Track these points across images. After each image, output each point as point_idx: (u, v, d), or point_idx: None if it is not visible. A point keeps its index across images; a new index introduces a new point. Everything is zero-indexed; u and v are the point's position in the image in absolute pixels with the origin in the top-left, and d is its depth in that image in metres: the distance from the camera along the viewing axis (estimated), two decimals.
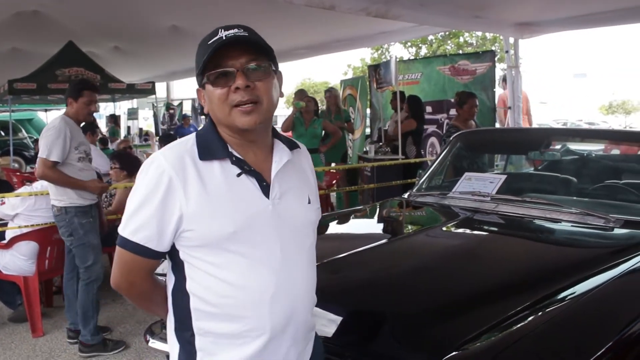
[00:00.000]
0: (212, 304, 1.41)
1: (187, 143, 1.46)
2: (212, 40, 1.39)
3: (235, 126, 1.42)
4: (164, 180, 1.37)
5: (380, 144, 7.69)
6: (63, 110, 4.23)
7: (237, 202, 1.41)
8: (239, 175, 1.43)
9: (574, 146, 4.28)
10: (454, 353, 1.74)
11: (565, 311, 2.01)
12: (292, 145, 1.58)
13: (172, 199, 1.37)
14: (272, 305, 1.41)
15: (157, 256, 1.44)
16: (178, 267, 1.46)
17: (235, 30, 1.41)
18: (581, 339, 1.88)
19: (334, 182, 7.56)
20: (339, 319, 2.07)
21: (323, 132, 7.19)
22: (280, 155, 1.51)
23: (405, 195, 3.86)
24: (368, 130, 10.53)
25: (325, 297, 2.17)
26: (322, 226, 3.51)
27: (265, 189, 1.45)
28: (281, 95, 1.52)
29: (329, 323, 2.04)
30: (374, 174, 7.08)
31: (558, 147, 4.29)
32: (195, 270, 1.42)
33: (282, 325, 1.43)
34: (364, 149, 8.48)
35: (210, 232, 1.37)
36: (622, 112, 48.39)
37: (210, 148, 1.44)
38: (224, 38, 1.38)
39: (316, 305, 2.09)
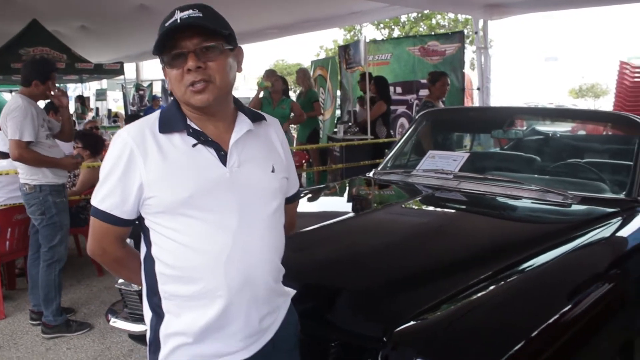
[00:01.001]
0: (174, 267, 1.49)
1: (151, 119, 1.56)
2: (168, 23, 1.46)
3: (191, 104, 1.50)
4: (125, 152, 1.47)
5: (350, 124, 7.69)
6: None
7: (194, 169, 1.48)
8: (194, 145, 1.50)
9: (540, 127, 4.32)
10: (410, 323, 1.76)
11: (521, 283, 2.05)
12: (256, 117, 1.65)
13: (133, 168, 1.47)
14: (227, 267, 1.46)
15: (124, 223, 1.54)
16: (146, 235, 1.56)
17: (190, 11, 1.47)
18: (534, 308, 1.92)
19: (304, 161, 7.54)
20: (298, 291, 2.07)
21: (292, 112, 7.13)
22: (241, 126, 1.58)
23: (371, 174, 3.87)
24: (338, 112, 10.51)
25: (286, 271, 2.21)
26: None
27: (223, 157, 1.52)
28: (239, 70, 1.59)
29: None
30: (342, 154, 7.09)
31: (524, 128, 4.34)
32: (158, 235, 1.50)
33: (238, 287, 1.48)
34: (334, 130, 8.47)
35: (167, 198, 1.46)
36: (592, 96, 49.15)
37: (170, 122, 1.53)
38: (178, 21, 1.45)
39: None
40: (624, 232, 2.68)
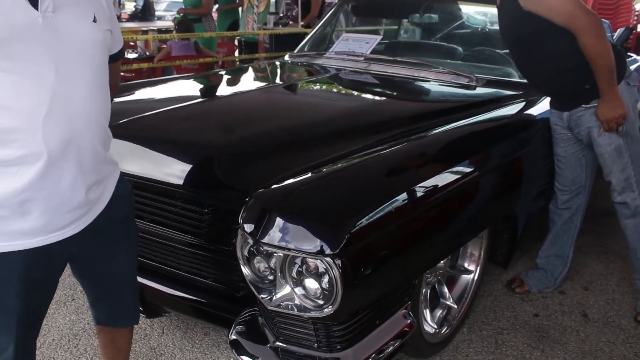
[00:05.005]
0: None
1: None
2: None
3: None
4: None
5: (281, 15, 7.42)
6: None
7: None
8: None
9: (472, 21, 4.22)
10: (276, 185, 1.73)
11: (398, 153, 2.02)
12: None
13: None
14: (45, 127, 1.28)
15: None
16: None
17: None
18: (407, 176, 1.91)
19: (233, 52, 7.30)
20: (171, 159, 2.00)
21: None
22: None
23: (286, 57, 3.75)
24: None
25: (162, 138, 2.14)
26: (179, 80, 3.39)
27: None
28: None
29: (163, 163, 1.99)
30: (272, 45, 6.88)
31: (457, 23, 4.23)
32: None
33: (59, 150, 1.31)
34: (265, 21, 8.16)
35: None
36: None
37: None
38: None
39: (153, 148, 2.06)
40: (523, 113, 2.69)
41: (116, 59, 1.58)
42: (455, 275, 2.57)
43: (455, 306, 2.45)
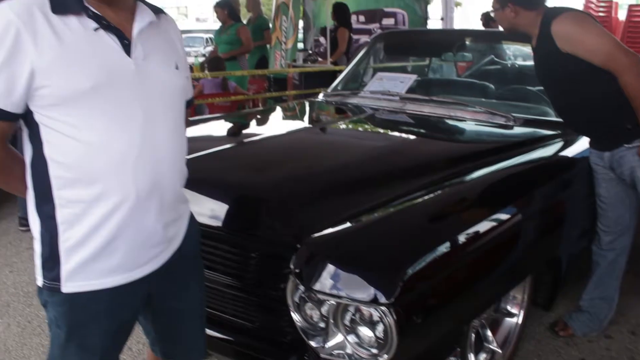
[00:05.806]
0: (72, 168, 1.33)
1: None
2: None
3: None
4: (10, 32, 1.24)
5: (310, 52, 7.51)
6: None
7: (96, 56, 1.32)
8: (96, 29, 1.33)
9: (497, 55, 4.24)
10: (326, 231, 1.73)
11: (445, 197, 2.03)
12: (156, 10, 1.51)
13: (22, 52, 1.25)
14: (135, 168, 1.35)
15: (8, 117, 1.32)
16: (34, 133, 1.35)
17: None
18: (454, 222, 1.91)
19: (264, 89, 7.38)
20: (217, 202, 2.02)
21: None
22: (143, 15, 1.43)
23: (320, 96, 3.78)
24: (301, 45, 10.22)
25: (209, 181, 2.16)
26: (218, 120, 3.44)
27: (127, 47, 1.37)
28: None
29: (209, 206, 2.00)
30: (301, 81, 6.95)
31: (486, 60, 4.25)
32: (52, 132, 1.32)
33: (146, 191, 1.38)
34: (294, 58, 8.26)
35: (66, 87, 1.28)
36: None
37: (64, 1, 1.32)
38: None
39: (198, 191, 2.08)
40: (563, 154, 2.67)
41: (188, 106, 1.65)
42: (498, 319, 2.53)
43: (500, 350, 2.40)
